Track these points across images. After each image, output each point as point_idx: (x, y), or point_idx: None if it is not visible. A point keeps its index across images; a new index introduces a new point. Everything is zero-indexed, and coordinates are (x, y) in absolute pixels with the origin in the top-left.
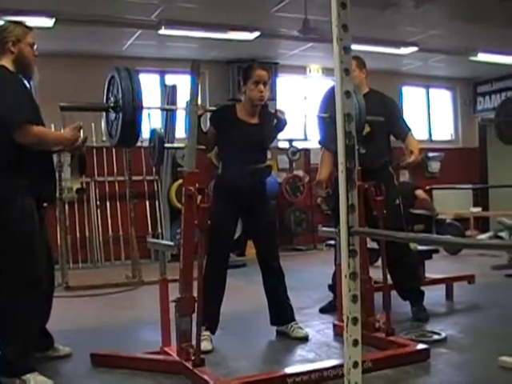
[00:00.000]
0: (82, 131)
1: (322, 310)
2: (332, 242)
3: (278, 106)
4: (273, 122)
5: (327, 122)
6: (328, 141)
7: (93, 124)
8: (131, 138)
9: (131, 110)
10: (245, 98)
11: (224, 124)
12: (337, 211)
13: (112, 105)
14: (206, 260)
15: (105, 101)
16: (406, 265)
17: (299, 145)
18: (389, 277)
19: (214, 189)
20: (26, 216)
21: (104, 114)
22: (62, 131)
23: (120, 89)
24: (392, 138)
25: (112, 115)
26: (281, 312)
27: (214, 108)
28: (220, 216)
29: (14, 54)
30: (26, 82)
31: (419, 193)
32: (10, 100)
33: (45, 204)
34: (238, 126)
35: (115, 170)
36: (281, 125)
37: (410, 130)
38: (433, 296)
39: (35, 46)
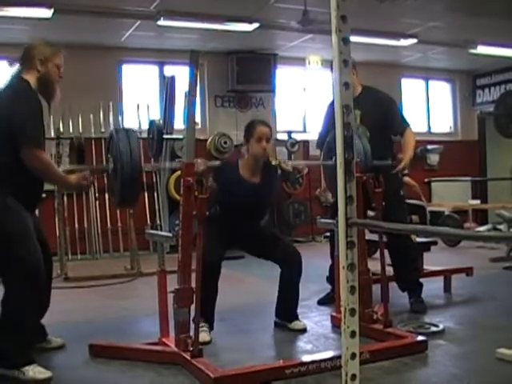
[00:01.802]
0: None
1: (320, 302)
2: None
3: (281, 157)
4: (276, 175)
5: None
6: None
7: (91, 115)
8: (131, 198)
9: (129, 171)
10: (248, 154)
11: (226, 182)
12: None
13: (111, 166)
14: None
15: (105, 161)
16: (408, 256)
17: (298, 136)
18: (387, 268)
19: (209, 218)
20: (11, 210)
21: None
22: (73, 176)
23: (118, 150)
24: None
25: (112, 176)
26: (291, 309)
27: (215, 163)
28: (211, 243)
29: (40, 72)
30: (42, 104)
31: (407, 180)
32: (30, 118)
33: None
34: (241, 184)
35: None
36: (285, 175)
37: (408, 125)
38: (431, 288)
39: (62, 69)
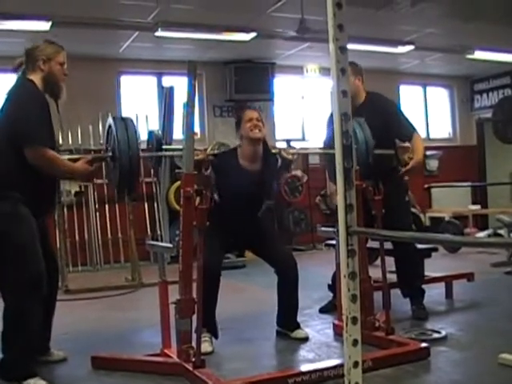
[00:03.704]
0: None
1: (322, 310)
2: (332, 242)
3: (282, 145)
4: (276, 164)
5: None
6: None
7: (90, 127)
8: (130, 185)
9: (127, 159)
10: (242, 141)
11: (225, 171)
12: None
13: (110, 154)
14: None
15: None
16: (413, 262)
17: (297, 145)
18: (388, 276)
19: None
20: (23, 222)
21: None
22: (77, 163)
23: (116, 138)
24: None
25: (111, 164)
26: (291, 318)
27: (214, 152)
28: (211, 246)
29: (44, 71)
30: (48, 103)
31: None
32: (31, 117)
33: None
34: (240, 172)
35: None
36: (285, 165)
37: (415, 129)
38: (432, 294)
39: (65, 66)
